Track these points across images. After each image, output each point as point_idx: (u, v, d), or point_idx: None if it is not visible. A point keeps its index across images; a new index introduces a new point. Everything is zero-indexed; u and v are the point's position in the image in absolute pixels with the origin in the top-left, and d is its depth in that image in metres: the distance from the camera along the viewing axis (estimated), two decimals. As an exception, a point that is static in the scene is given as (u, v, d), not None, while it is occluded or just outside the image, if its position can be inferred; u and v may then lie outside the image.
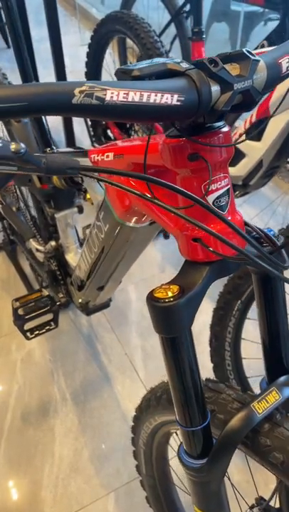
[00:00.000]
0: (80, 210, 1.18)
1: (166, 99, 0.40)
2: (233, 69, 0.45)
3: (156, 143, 0.54)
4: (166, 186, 0.46)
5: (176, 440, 0.85)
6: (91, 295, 1.11)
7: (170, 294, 0.51)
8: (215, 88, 0.43)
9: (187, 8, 2.01)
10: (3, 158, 0.44)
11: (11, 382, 1.57)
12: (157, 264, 1.99)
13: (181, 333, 0.54)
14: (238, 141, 1.28)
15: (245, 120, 1.28)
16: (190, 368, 0.57)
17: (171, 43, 2.12)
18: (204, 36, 1.43)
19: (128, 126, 1.81)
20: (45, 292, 1.19)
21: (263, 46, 1.67)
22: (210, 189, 0.50)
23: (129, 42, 2.03)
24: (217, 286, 1.11)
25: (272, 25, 1.74)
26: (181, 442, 0.64)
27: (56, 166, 0.46)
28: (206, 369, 1.40)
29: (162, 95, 0.40)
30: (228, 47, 3.04)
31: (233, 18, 2.80)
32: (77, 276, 1.10)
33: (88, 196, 0.93)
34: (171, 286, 0.52)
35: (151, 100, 0.40)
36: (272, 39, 1.63)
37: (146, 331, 1.71)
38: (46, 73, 1.75)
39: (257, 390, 0.66)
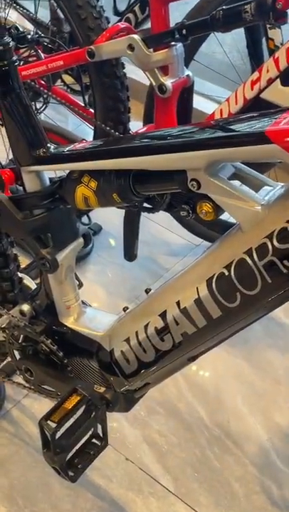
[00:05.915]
0: (88, 241, 0.73)
1: None
2: None
3: None
4: None
5: None
6: (165, 375, 0.66)
7: None
8: None
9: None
10: None
11: None
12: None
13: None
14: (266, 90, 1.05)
15: (261, 68, 1.07)
16: None
17: None
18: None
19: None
20: (81, 391, 0.62)
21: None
22: None
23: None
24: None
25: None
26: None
27: None
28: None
29: None
30: None
31: None
32: (138, 358, 0.62)
33: (207, 207, 0.51)
34: None
35: None
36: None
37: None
38: None
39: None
